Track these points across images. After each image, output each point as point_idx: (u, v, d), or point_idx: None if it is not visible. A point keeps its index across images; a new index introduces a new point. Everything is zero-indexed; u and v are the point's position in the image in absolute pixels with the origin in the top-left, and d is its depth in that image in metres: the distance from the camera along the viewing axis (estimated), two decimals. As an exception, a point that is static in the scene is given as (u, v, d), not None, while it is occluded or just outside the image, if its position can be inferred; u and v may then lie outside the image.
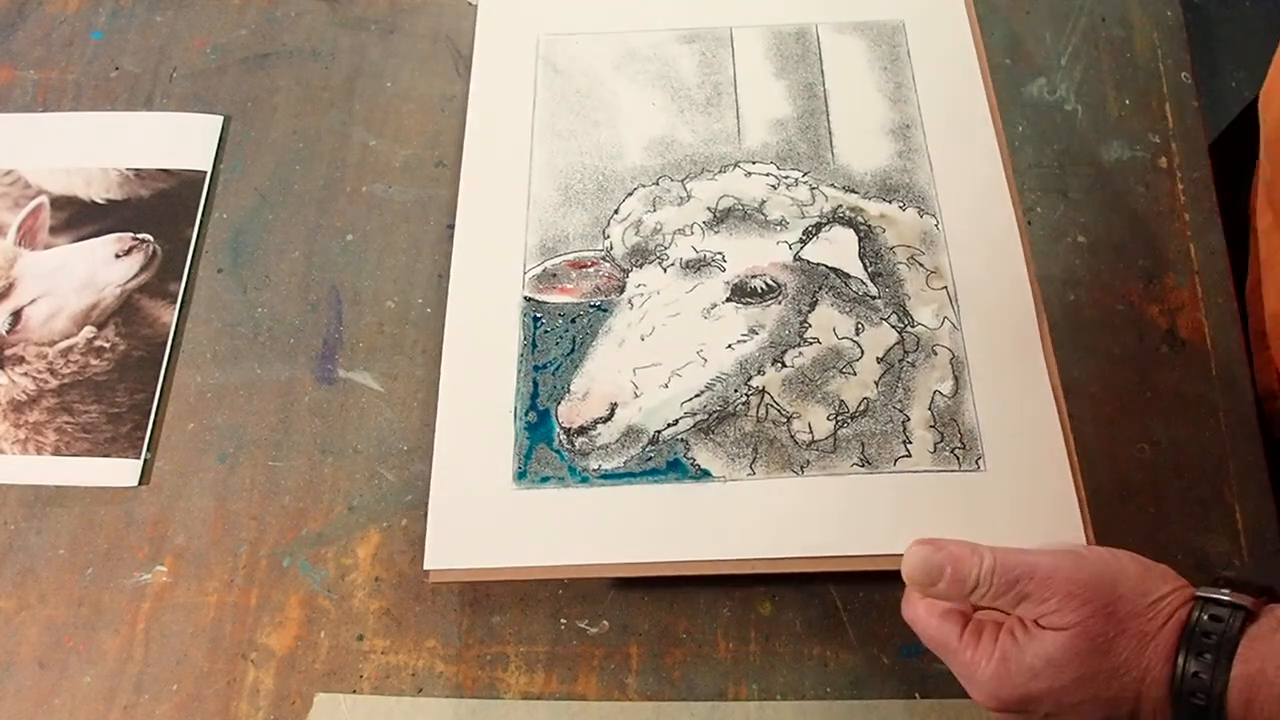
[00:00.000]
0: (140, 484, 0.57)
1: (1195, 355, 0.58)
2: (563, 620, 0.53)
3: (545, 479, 0.52)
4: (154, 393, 0.59)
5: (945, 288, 0.56)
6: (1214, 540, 0.54)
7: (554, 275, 0.58)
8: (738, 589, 0.53)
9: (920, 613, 0.46)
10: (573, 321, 0.56)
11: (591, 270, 0.58)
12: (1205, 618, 0.41)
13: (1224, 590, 0.42)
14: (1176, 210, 0.62)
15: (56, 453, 0.57)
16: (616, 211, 0.59)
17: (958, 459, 0.52)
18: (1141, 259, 0.61)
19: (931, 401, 0.53)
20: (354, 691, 0.52)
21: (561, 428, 0.53)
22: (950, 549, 0.44)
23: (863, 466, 0.52)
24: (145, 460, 0.57)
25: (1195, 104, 0.66)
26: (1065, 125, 0.65)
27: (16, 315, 0.61)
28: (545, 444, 0.53)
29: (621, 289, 0.57)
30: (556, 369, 0.55)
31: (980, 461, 0.52)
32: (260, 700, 0.52)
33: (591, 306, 0.57)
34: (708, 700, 0.51)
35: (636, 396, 0.54)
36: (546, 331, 0.56)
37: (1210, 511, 0.55)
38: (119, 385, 0.59)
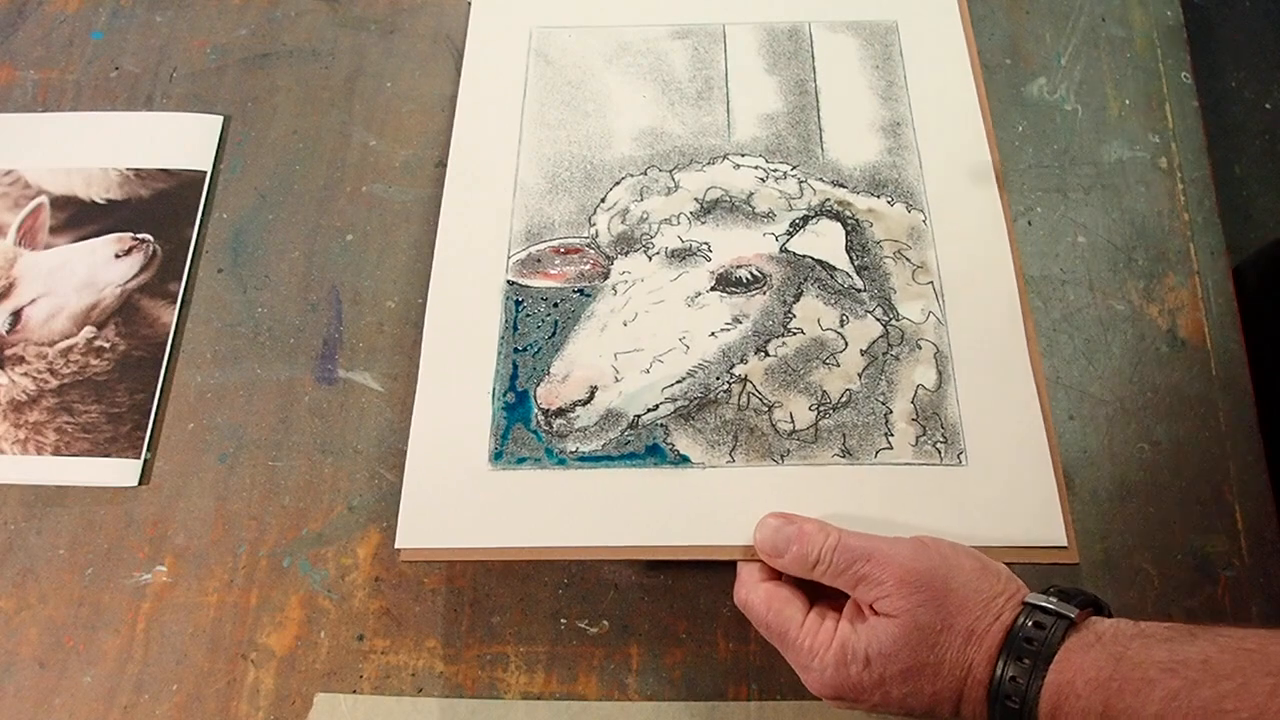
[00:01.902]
0: (140, 484, 0.57)
1: (1195, 355, 0.58)
2: (563, 620, 0.53)
3: (522, 460, 0.52)
4: (154, 393, 0.59)
5: (931, 282, 0.56)
6: (1214, 540, 0.54)
7: (538, 260, 0.58)
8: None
9: (759, 597, 0.46)
10: (555, 305, 0.56)
11: (576, 256, 0.58)
12: (1030, 624, 0.42)
13: (1051, 599, 0.42)
14: (1176, 210, 0.62)
15: (56, 453, 0.57)
16: (603, 200, 0.60)
17: (939, 452, 0.52)
18: (1141, 259, 0.61)
19: (914, 395, 0.53)
20: (354, 691, 0.52)
21: (540, 409, 0.53)
22: (800, 523, 0.46)
23: (844, 457, 0.52)
24: (145, 460, 0.57)
25: (1195, 104, 0.66)
26: (1065, 125, 0.65)
27: (16, 315, 0.61)
28: (523, 425, 0.53)
29: (606, 275, 0.57)
30: (537, 351, 0.55)
31: (962, 456, 0.52)
32: (260, 700, 0.52)
33: (574, 291, 0.57)
34: (708, 700, 0.51)
35: (617, 380, 0.54)
36: (528, 315, 0.56)
37: (1210, 511, 0.55)
38: (119, 385, 0.59)
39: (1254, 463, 0.56)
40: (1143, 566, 0.54)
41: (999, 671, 0.41)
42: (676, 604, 0.53)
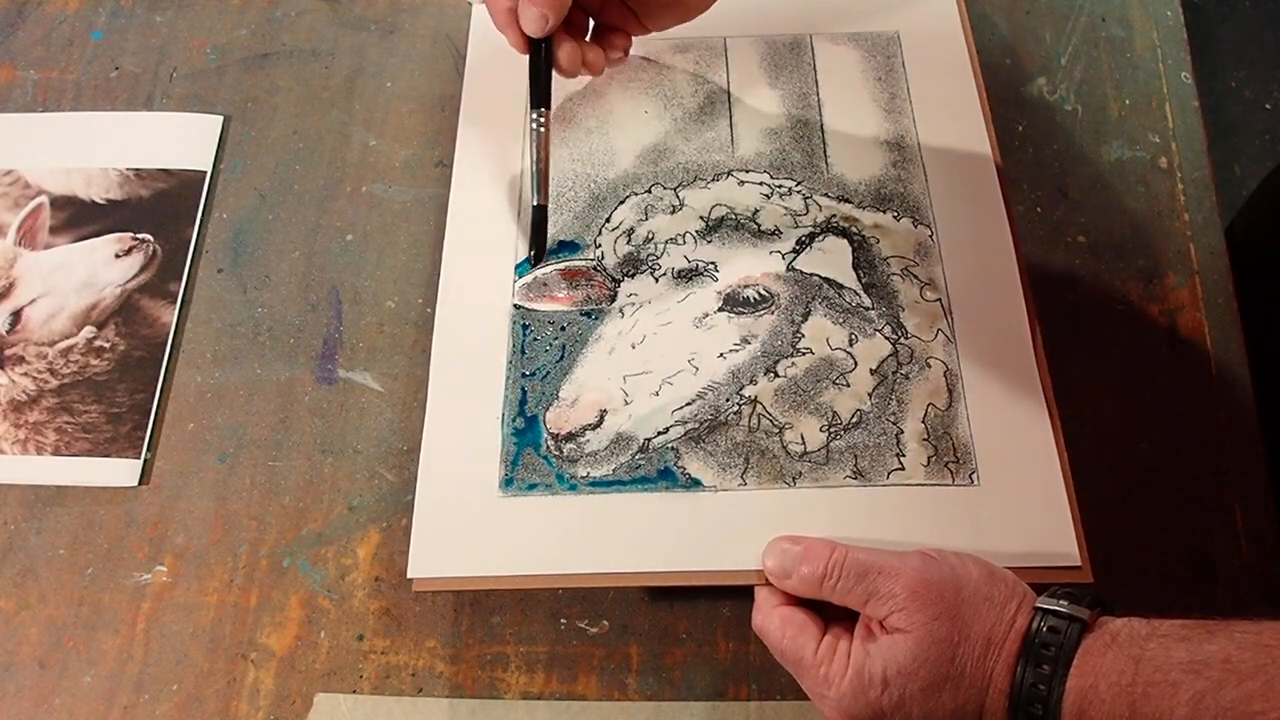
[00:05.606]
0: (140, 484, 0.57)
1: (1195, 355, 0.58)
2: (563, 620, 0.53)
3: (532, 486, 0.52)
4: (154, 393, 0.59)
5: (939, 300, 0.56)
6: (1214, 540, 0.54)
7: (544, 283, 0.57)
8: (737, 589, 0.53)
9: (775, 623, 0.46)
10: (562, 329, 0.56)
11: (582, 279, 0.57)
12: (1044, 628, 0.42)
13: (1062, 602, 0.42)
14: (1176, 210, 0.62)
15: (56, 453, 0.57)
16: (608, 220, 0.59)
17: (951, 473, 0.52)
18: (1141, 259, 0.61)
19: (925, 414, 0.53)
20: (354, 691, 0.52)
21: (550, 434, 0.53)
22: (807, 541, 0.47)
23: (856, 479, 0.52)
24: (145, 460, 0.57)
25: (1195, 104, 0.66)
26: (1065, 125, 0.65)
27: (16, 315, 0.61)
28: (533, 450, 0.53)
29: (613, 298, 0.57)
30: (545, 376, 0.55)
31: (974, 476, 0.51)
32: (260, 700, 0.52)
33: (581, 314, 0.56)
34: (708, 700, 0.51)
35: (626, 404, 0.53)
36: (536, 339, 0.56)
37: (1210, 511, 0.55)
38: (119, 385, 0.59)
39: (1254, 463, 0.56)
40: (1142, 566, 0.54)
41: (1019, 678, 0.41)
42: (676, 604, 0.53)
